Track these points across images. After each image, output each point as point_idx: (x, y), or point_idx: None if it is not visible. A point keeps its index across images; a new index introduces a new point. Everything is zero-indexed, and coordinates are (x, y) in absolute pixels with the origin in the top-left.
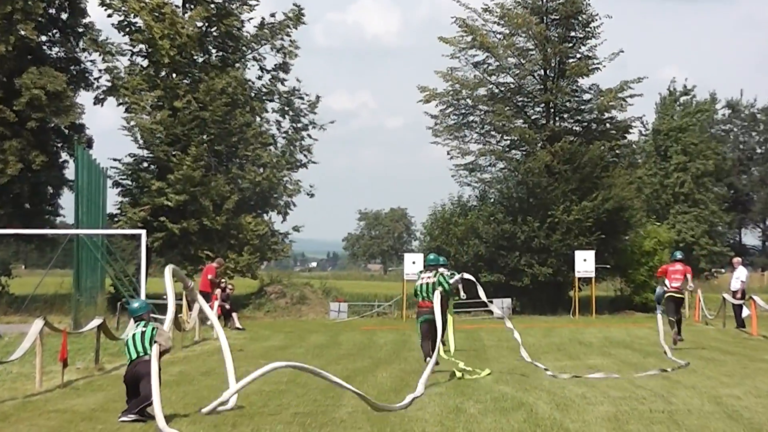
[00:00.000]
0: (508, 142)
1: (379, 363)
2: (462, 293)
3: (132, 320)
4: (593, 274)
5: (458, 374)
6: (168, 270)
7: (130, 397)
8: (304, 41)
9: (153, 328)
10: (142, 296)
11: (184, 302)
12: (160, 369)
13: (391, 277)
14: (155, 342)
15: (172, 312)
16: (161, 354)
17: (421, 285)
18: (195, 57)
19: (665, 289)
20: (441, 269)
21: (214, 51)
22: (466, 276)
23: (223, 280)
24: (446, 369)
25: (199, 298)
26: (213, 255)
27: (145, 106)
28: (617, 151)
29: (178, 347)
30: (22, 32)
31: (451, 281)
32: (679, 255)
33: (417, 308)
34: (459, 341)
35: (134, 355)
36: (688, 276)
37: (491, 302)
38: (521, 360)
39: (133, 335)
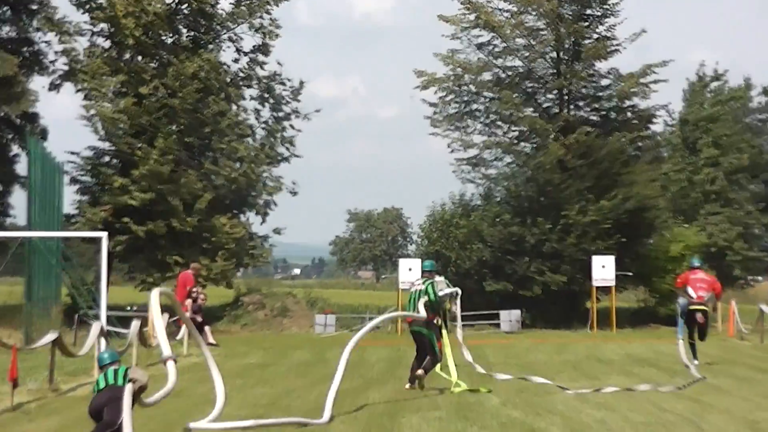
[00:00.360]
0: (517, 133)
1: (370, 383)
2: (453, 307)
3: (98, 369)
4: (613, 283)
5: (454, 388)
6: (155, 295)
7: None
8: (286, 20)
9: (126, 368)
10: (103, 308)
11: (150, 315)
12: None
13: (384, 286)
14: (130, 380)
15: (167, 352)
16: (138, 392)
17: (411, 294)
18: (163, 37)
19: (689, 299)
20: (437, 277)
21: (184, 31)
22: (458, 292)
23: (194, 289)
24: (441, 386)
25: (186, 319)
26: (183, 261)
27: (107, 93)
28: (639, 144)
29: (142, 365)
30: None
31: (440, 293)
32: (697, 262)
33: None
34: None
35: (103, 385)
36: (715, 291)
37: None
38: (528, 380)
39: (105, 373)
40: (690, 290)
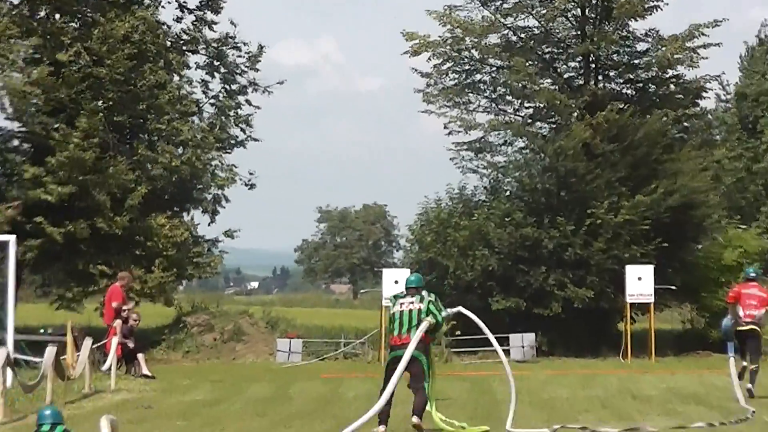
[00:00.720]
0: (531, 110)
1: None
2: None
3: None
4: (651, 299)
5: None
6: (104, 423)
7: None
8: None
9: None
10: (9, 330)
11: (69, 340)
12: None
13: (363, 303)
14: None
15: None
16: None
17: (401, 313)
18: None
19: (737, 319)
20: (429, 295)
21: None
22: (463, 311)
23: (125, 307)
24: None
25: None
26: (111, 271)
27: (16, 60)
28: (685, 124)
29: (59, 402)
30: None
31: (443, 313)
32: (753, 272)
33: (390, 345)
34: (461, 393)
35: None
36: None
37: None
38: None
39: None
40: (739, 308)
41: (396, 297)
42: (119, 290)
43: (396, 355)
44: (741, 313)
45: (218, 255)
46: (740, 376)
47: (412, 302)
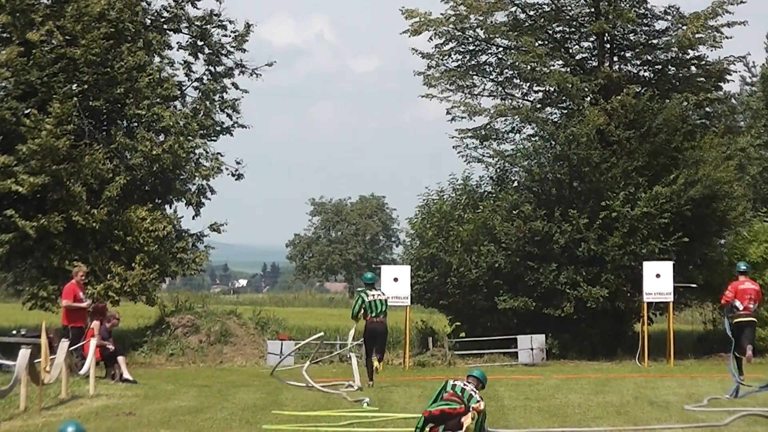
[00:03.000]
0: (541, 95)
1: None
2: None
3: None
4: (671, 298)
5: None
6: None
7: None
8: None
9: None
10: None
11: (43, 342)
12: None
13: None
14: None
15: None
16: None
17: (373, 302)
18: None
19: (735, 311)
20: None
21: None
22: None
23: (87, 301)
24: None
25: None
26: (87, 268)
27: None
28: (708, 109)
29: (35, 409)
30: None
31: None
32: (744, 266)
33: (368, 322)
34: None
35: None
36: (759, 302)
37: None
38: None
39: None
40: (737, 302)
41: (366, 292)
42: (72, 286)
43: (375, 329)
44: (740, 306)
45: (203, 251)
46: (740, 371)
47: (379, 294)
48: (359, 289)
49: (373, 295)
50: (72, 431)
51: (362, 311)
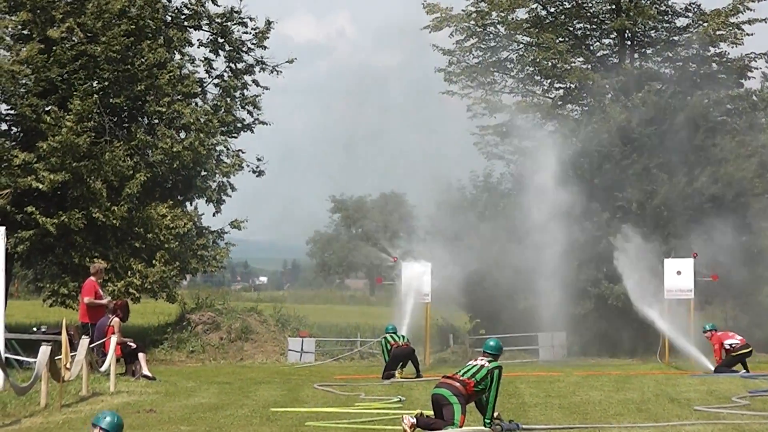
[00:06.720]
0: (561, 91)
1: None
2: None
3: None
4: (692, 295)
5: None
6: None
7: None
8: None
9: None
10: (0, 328)
11: (64, 339)
12: None
13: (381, 300)
14: None
15: None
16: None
17: (395, 335)
18: None
19: (734, 347)
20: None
21: None
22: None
23: (108, 299)
24: None
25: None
26: (108, 265)
27: (4, 37)
28: (729, 106)
29: (56, 406)
30: None
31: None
32: (708, 326)
33: (393, 349)
34: None
35: None
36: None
37: None
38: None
39: None
40: (729, 341)
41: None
42: (91, 283)
43: (401, 352)
44: (736, 341)
45: (224, 248)
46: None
47: (399, 338)
48: (383, 336)
49: (394, 338)
50: (109, 420)
51: (390, 348)
